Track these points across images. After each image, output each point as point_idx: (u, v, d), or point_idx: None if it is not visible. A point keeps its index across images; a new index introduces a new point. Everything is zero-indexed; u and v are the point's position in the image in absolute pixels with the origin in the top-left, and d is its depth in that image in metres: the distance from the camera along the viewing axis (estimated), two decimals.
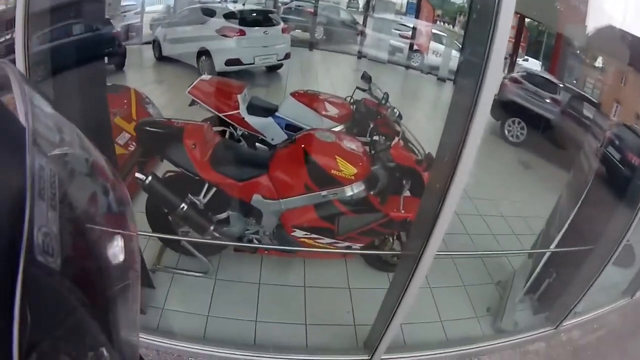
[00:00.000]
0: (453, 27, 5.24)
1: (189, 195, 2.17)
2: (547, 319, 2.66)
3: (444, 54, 5.16)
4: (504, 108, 4.25)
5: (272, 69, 4.53)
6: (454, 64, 4.96)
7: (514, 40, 4.51)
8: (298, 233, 2.17)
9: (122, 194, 0.44)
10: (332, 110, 2.85)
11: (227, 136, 2.87)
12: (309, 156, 2.13)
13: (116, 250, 0.39)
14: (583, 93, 4.07)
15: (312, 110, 2.85)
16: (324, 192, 2.11)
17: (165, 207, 2.21)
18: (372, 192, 2.18)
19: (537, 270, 2.59)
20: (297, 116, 2.84)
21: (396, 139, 2.22)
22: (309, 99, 2.93)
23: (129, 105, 2.88)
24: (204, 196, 2.18)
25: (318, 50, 5.43)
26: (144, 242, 2.45)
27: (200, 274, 2.31)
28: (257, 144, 2.84)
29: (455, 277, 2.57)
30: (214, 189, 2.17)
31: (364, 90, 3.01)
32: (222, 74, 3.79)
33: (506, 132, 4.12)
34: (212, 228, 2.17)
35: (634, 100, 3.32)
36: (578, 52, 4.38)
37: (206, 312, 2.18)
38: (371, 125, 2.75)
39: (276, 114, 2.87)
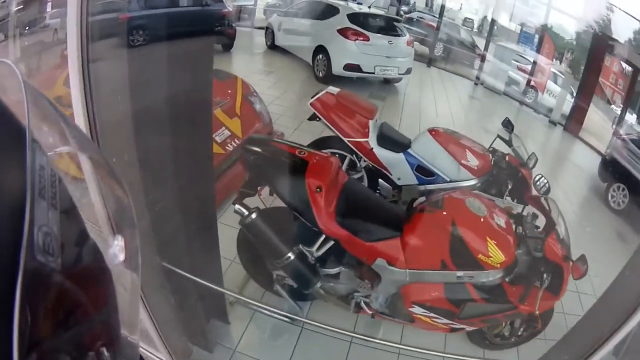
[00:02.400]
0: (560, 63, 4.97)
1: (299, 244, 1.92)
2: None
3: (559, 95, 4.91)
4: (611, 170, 3.94)
5: (390, 81, 4.27)
6: (567, 107, 4.79)
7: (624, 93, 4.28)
8: (417, 310, 1.96)
9: (122, 194, 0.45)
10: (473, 161, 2.53)
11: (346, 164, 2.58)
12: (456, 230, 1.86)
13: (117, 250, 0.40)
14: None
15: (450, 155, 2.54)
16: (459, 273, 1.87)
17: (265, 252, 1.97)
18: (507, 280, 1.98)
19: None
20: (432, 159, 2.55)
21: (555, 231, 2.00)
22: (449, 141, 2.61)
23: (233, 97, 2.55)
24: (318, 249, 1.92)
25: (435, 67, 5.17)
26: (225, 266, 2.22)
27: (287, 319, 2.12)
28: (380, 180, 2.57)
29: None
30: (331, 242, 1.91)
31: (504, 141, 2.69)
32: (336, 77, 3.51)
33: (610, 197, 3.81)
34: (319, 285, 1.97)
35: None
36: None
37: None
38: (509, 187, 2.49)
39: (408, 150, 2.57)
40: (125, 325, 0.41)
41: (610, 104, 4.58)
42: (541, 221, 2.15)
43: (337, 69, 3.57)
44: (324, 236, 1.90)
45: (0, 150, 0.28)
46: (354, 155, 2.59)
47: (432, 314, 1.96)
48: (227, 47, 3.69)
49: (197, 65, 1.69)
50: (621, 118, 4.24)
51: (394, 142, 2.58)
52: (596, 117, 4.36)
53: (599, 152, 4.11)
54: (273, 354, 2.06)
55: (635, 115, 4.17)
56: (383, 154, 2.53)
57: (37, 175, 0.28)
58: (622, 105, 4.34)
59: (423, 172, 2.55)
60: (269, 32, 4.18)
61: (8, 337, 0.23)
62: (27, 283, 0.25)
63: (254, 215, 1.86)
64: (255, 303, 2.14)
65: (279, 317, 2.11)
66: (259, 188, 1.98)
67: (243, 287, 2.20)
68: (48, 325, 0.28)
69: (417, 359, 2.11)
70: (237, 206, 1.87)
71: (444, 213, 1.93)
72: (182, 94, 1.56)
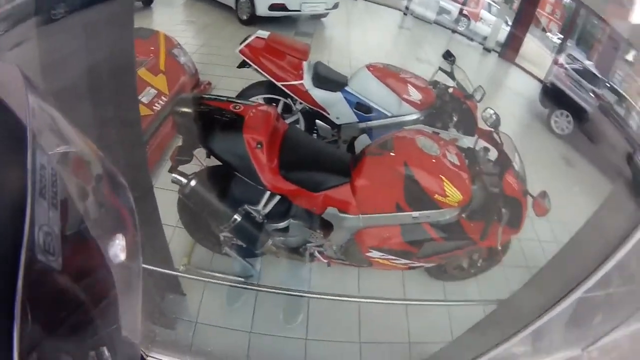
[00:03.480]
0: None
1: (244, 204, 1.80)
2: (576, 339, 2.80)
3: (494, 24, 4.91)
4: (553, 97, 4.06)
5: (316, 17, 4.08)
6: (502, 36, 4.80)
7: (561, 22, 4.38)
8: (374, 254, 1.91)
9: (122, 194, 0.46)
10: (414, 95, 2.46)
11: (280, 108, 2.42)
12: (409, 171, 1.79)
13: (117, 249, 0.41)
14: (621, 90, 4.02)
15: (390, 90, 2.46)
16: (416, 214, 1.82)
17: (209, 217, 1.84)
18: (464, 217, 1.96)
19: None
20: (372, 95, 2.46)
21: (511, 166, 1.95)
22: (388, 75, 2.51)
23: (156, 53, 2.36)
24: (265, 206, 1.82)
25: (363, 0, 4.84)
26: (169, 234, 2.09)
27: (242, 280, 2.04)
28: (317, 121, 2.47)
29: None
30: (277, 197, 1.81)
31: (447, 73, 2.62)
32: (260, 19, 3.26)
33: (552, 123, 3.95)
34: (270, 242, 1.87)
35: None
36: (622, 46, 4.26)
37: (248, 327, 1.96)
38: (454, 120, 2.44)
39: (346, 88, 2.46)
40: (126, 325, 0.41)
41: (546, 32, 4.61)
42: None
43: (262, 9, 3.40)
44: (269, 193, 1.79)
45: (2, 149, 0.29)
46: (288, 99, 2.49)
47: (390, 257, 1.92)
48: (148, 2, 3.32)
49: (118, 28, 1.55)
50: (562, 47, 4.32)
51: (330, 81, 2.48)
52: (532, 45, 4.42)
53: (538, 79, 4.20)
54: (234, 318, 1.99)
55: (575, 45, 4.29)
56: (320, 95, 2.44)
57: (38, 174, 0.29)
58: (561, 35, 4.40)
59: (362, 109, 2.47)
60: None
61: (9, 336, 0.23)
62: (28, 282, 0.25)
63: (193, 183, 1.72)
64: (206, 274, 2.04)
65: (232, 284, 2.03)
66: (194, 152, 1.79)
67: (190, 254, 2.07)
68: (49, 325, 0.28)
69: (376, 301, 2.12)
70: (173, 175, 1.73)
71: (395, 154, 1.83)
72: (105, 60, 1.46)
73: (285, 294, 2.02)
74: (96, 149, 0.43)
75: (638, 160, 2.87)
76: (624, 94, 3.70)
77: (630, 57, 3.77)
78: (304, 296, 2.03)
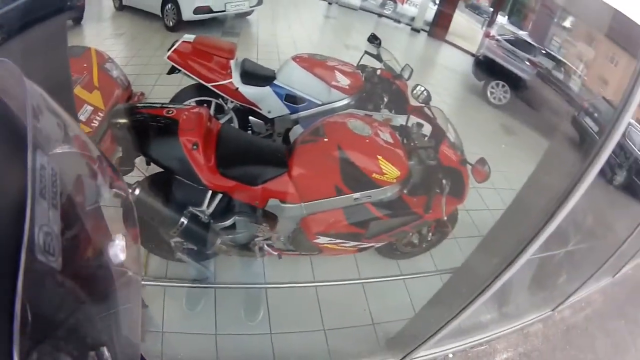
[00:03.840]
0: None
1: (189, 206, 1.82)
2: (544, 300, 2.87)
3: (421, 4, 4.99)
4: (487, 69, 4.17)
5: (242, 15, 4.09)
6: (429, 15, 4.89)
7: None
8: (321, 240, 1.94)
9: (122, 192, 0.46)
10: (343, 80, 2.50)
11: (212, 110, 2.46)
12: (344, 154, 1.83)
13: (117, 249, 0.40)
14: (558, 56, 4.13)
15: (318, 78, 2.48)
16: (356, 195, 1.86)
17: (156, 224, 1.85)
18: (405, 192, 2.00)
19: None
20: (301, 85, 2.48)
21: (446, 137, 1.99)
22: (315, 64, 2.54)
23: (89, 70, 2.34)
24: (208, 206, 1.84)
25: None
26: None
27: (199, 283, 2.06)
28: (250, 117, 2.49)
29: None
30: (219, 196, 1.83)
31: (373, 56, 2.67)
32: (187, 23, 3.30)
33: (489, 94, 4.06)
34: (219, 241, 1.89)
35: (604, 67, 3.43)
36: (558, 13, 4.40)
37: (213, 329, 1.98)
38: (385, 100, 2.49)
39: (274, 82, 2.48)
40: (127, 325, 0.41)
41: (476, 9, 4.73)
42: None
43: (188, 14, 3.38)
44: (210, 192, 1.81)
45: (2, 149, 0.28)
46: (220, 99, 2.50)
47: (338, 240, 1.96)
48: (78, 20, 3.33)
49: (52, 49, 1.54)
50: (492, 20, 4.42)
51: (258, 76, 2.49)
52: (462, 21, 4.51)
53: (470, 53, 4.27)
54: (199, 321, 2.01)
55: (506, 17, 4.40)
56: (249, 91, 2.45)
57: (38, 174, 0.29)
58: (491, 8, 4.51)
59: (293, 100, 2.49)
60: None
61: (9, 336, 0.23)
62: (28, 283, 0.25)
63: (136, 192, 1.72)
64: (163, 283, 2.05)
65: (191, 285, 2.05)
66: (135, 161, 1.81)
67: (145, 265, 2.08)
68: (49, 325, 0.28)
69: (333, 285, 2.15)
70: (114, 190, 1.70)
71: (327, 140, 1.87)
72: (42, 83, 1.42)
73: (242, 287, 2.05)
74: (96, 148, 0.44)
75: (582, 120, 2.97)
76: (562, 59, 3.82)
77: (567, 23, 3.90)
78: (261, 288, 2.06)
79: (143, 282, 2.01)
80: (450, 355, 2.31)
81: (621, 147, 3.46)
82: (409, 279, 2.27)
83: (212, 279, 2.07)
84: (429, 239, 2.31)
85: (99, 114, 2.21)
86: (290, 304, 2.09)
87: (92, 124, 2.19)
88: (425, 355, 2.18)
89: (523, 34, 4.26)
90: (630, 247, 3.28)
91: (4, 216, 0.27)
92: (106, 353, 0.35)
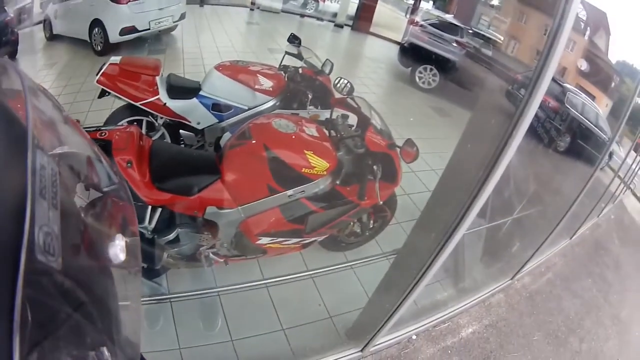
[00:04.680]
0: None
1: None
2: (501, 270, 2.96)
3: (342, 1, 5.10)
4: (413, 55, 4.28)
5: (166, 31, 4.12)
6: (352, 9, 4.99)
7: None
8: (263, 240, 2.01)
9: (123, 191, 0.46)
10: (266, 83, 2.58)
11: (144, 128, 2.51)
12: (271, 153, 1.90)
13: (117, 249, 0.40)
14: (487, 34, 4.30)
15: (241, 84, 2.56)
16: (290, 192, 1.93)
17: None
18: (338, 183, 2.09)
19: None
20: (225, 93, 2.55)
21: (371, 124, 2.09)
22: (237, 71, 2.62)
23: (23, 107, 2.35)
24: (149, 221, 1.88)
25: (209, 5, 5.07)
26: None
27: (154, 300, 2.09)
28: (181, 131, 2.54)
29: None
30: (159, 210, 1.88)
31: (294, 56, 2.77)
32: (114, 45, 3.36)
33: (417, 79, 4.15)
34: (166, 255, 1.93)
35: (534, 38, 3.60)
36: None
37: (176, 344, 2.00)
38: (310, 97, 2.56)
39: (200, 93, 2.55)
40: (126, 325, 0.41)
41: None
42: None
43: (114, 36, 3.44)
44: (150, 207, 1.86)
45: (2, 149, 0.28)
46: (149, 116, 2.55)
47: (279, 239, 2.03)
48: (12, 54, 3.36)
49: None
50: (415, 7, 4.61)
51: (184, 89, 2.57)
52: (385, 11, 4.67)
53: (396, 42, 4.42)
54: (161, 338, 2.01)
55: (431, 2, 4.59)
56: (177, 105, 2.52)
57: (38, 175, 0.29)
58: None
59: (219, 109, 2.56)
60: (47, 23, 3.81)
61: (9, 336, 0.23)
62: (28, 282, 0.25)
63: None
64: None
65: (144, 302, 2.06)
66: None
67: None
68: (49, 325, 0.28)
69: (285, 284, 2.20)
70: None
71: (254, 141, 1.95)
72: None
73: (195, 296, 2.06)
74: (96, 147, 0.44)
75: (517, 93, 3.13)
76: (490, 35, 4.00)
77: (495, 1, 4.11)
78: (213, 293, 2.09)
79: None
80: (414, 337, 2.37)
81: (562, 113, 3.63)
82: (358, 267, 2.34)
83: (166, 294, 2.09)
84: (371, 226, 2.39)
85: None
86: (245, 309, 2.12)
87: None
88: (388, 340, 2.24)
89: (449, 17, 4.43)
90: (584, 209, 3.42)
91: (4, 216, 0.26)
92: (106, 353, 0.35)
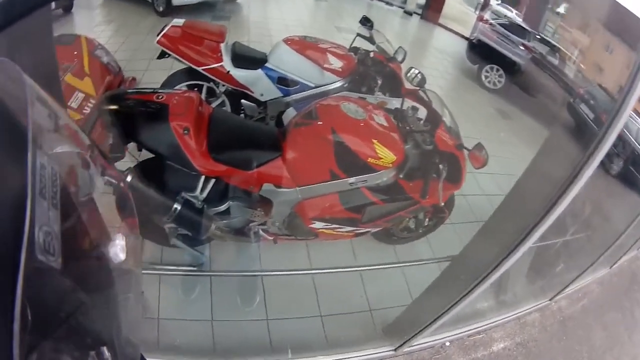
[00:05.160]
0: None
1: (182, 192, 1.82)
2: (542, 289, 2.88)
3: None
4: (481, 53, 4.18)
5: (232, 0, 4.10)
6: None
7: None
8: (317, 225, 1.96)
9: (122, 193, 0.46)
10: (335, 63, 2.51)
11: (203, 94, 2.46)
12: (338, 138, 1.84)
13: (117, 249, 0.41)
14: (552, 41, 4.14)
15: (310, 61, 2.50)
16: (352, 180, 1.88)
17: (149, 210, 1.85)
18: (401, 177, 2.01)
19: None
20: (293, 68, 2.49)
21: (442, 122, 2.00)
22: (307, 47, 2.55)
23: (80, 57, 2.34)
24: (202, 191, 1.84)
25: None
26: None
27: (195, 269, 2.07)
28: (242, 101, 2.50)
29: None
30: (213, 181, 1.84)
31: (366, 38, 2.68)
32: (176, 8, 3.34)
33: (483, 77, 4.06)
34: (214, 227, 1.89)
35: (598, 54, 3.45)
36: None
37: (209, 316, 1.99)
38: (379, 83, 2.49)
39: (266, 65, 2.49)
40: (127, 325, 0.41)
41: None
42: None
43: None
44: (204, 177, 1.82)
45: (2, 149, 0.29)
46: (211, 83, 2.51)
47: (334, 225, 1.98)
48: (68, 8, 3.34)
49: (38, 40, 1.55)
50: (485, 3, 4.43)
51: (249, 59, 2.52)
52: (454, 3, 4.51)
53: (464, 37, 4.29)
54: (195, 308, 2.01)
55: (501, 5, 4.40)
56: (241, 74, 2.48)
57: (38, 174, 0.29)
58: None
59: (285, 83, 2.51)
60: None
61: (9, 336, 0.23)
62: (28, 282, 0.25)
63: (128, 179, 1.71)
64: (158, 269, 2.05)
65: (186, 274, 2.05)
66: (126, 147, 1.81)
67: (140, 250, 2.08)
68: (49, 325, 0.28)
69: (330, 272, 2.16)
70: (106, 177, 1.70)
71: (322, 123, 1.88)
72: (30, 75, 1.45)
73: (238, 275, 2.05)
74: (95, 146, 0.44)
75: (577, 107, 2.99)
76: (556, 44, 3.84)
77: (561, 9, 3.92)
78: (257, 275, 2.06)
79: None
80: (447, 344, 2.32)
81: (619, 136, 3.47)
82: (406, 267, 2.28)
83: (207, 264, 2.07)
84: (426, 224, 2.33)
85: (91, 100, 2.22)
86: (286, 290, 2.10)
87: (84, 111, 2.19)
88: (423, 343, 2.20)
89: (517, 19, 4.27)
90: (628, 239, 3.30)
91: (4, 216, 0.27)
92: (106, 353, 0.35)
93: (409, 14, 4.89)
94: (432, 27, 4.44)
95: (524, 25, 4.08)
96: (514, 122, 3.57)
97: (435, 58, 4.23)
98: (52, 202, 0.30)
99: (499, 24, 4.18)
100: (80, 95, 2.22)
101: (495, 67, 3.95)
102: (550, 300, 2.83)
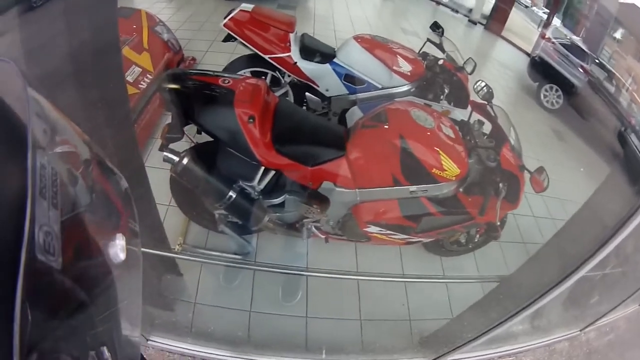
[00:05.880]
0: None
1: (239, 180, 1.82)
2: (575, 319, 2.85)
3: None
4: (542, 71, 4.08)
5: None
6: (487, 8, 4.76)
7: None
8: (372, 229, 1.94)
9: (123, 193, 0.46)
10: (404, 66, 2.48)
11: (268, 82, 2.45)
12: (405, 144, 1.81)
13: (117, 249, 0.40)
14: (610, 68, 4.05)
15: (379, 61, 2.47)
16: (413, 188, 1.86)
17: (203, 194, 1.86)
18: (461, 191, 1.98)
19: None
20: (361, 66, 2.47)
21: (508, 140, 1.97)
22: (377, 47, 2.52)
23: (139, 31, 2.35)
24: (259, 182, 1.83)
25: None
26: (162, 213, 2.10)
27: (239, 257, 2.06)
28: (307, 94, 2.49)
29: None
30: (272, 172, 1.83)
31: (436, 45, 2.65)
32: None
33: (542, 96, 3.95)
34: (267, 219, 1.88)
35: None
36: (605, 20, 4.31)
37: (248, 306, 1.98)
38: (446, 92, 2.48)
39: (334, 60, 2.48)
40: (127, 324, 0.41)
41: (532, 6, 4.65)
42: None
43: None
44: (263, 168, 1.81)
45: (2, 149, 0.29)
46: (276, 72, 2.50)
47: (388, 231, 1.96)
48: None
49: (100, 8, 1.53)
50: (548, 21, 4.34)
51: (318, 53, 2.50)
52: (518, 18, 4.44)
53: (525, 52, 4.25)
54: (234, 298, 2.02)
55: (560, 21, 4.31)
56: (308, 67, 2.46)
57: (38, 174, 0.29)
58: (547, 9, 4.41)
59: (352, 80, 2.49)
60: None
61: (9, 336, 0.24)
62: (28, 282, 0.25)
63: (185, 161, 1.73)
64: (202, 253, 2.05)
65: (229, 265, 2.05)
66: (185, 129, 1.79)
67: (185, 233, 2.08)
68: (49, 325, 0.28)
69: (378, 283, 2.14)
70: (165, 154, 1.74)
71: (389, 127, 1.85)
72: (89, 42, 1.45)
73: (283, 272, 2.03)
74: (94, 145, 0.44)
75: (629, 138, 2.93)
76: (613, 70, 3.75)
77: (618, 34, 3.83)
78: (303, 275, 2.05)
79: (181, 253, 2.02)
80: None
81: None
82: (452, 282, 2.26)
83: (253, 255, 2.06)
84: (476, 240, 2.30)
85: (147, 75, 2.23)
86: (329, 290, 2.11)
87: (140, 86, 2.20)
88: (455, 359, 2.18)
89: (576, 39, 4.19)
90: None
91: (4, 216, 0.27)
92: (106, 353, 0.35)
93: (474, 23, 4.83)
94: (494, 38, 4.37)
95: (583, 46, 4.01)
96: (567, 145, 3.52)
97: (497, 71, 4.18)
98: (52, 202, 0.30)
99: (560, 43, 4.13)
100: (137, 70, 2.23)
101: (555, 87, 3.89)
102: (580, 330, 2.80)
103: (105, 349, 0.35)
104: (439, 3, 4.97)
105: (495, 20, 4.47)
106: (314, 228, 2.01)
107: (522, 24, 4.36)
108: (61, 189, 0.31)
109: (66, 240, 0.30)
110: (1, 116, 0.31)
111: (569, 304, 2.79)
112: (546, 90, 3.92)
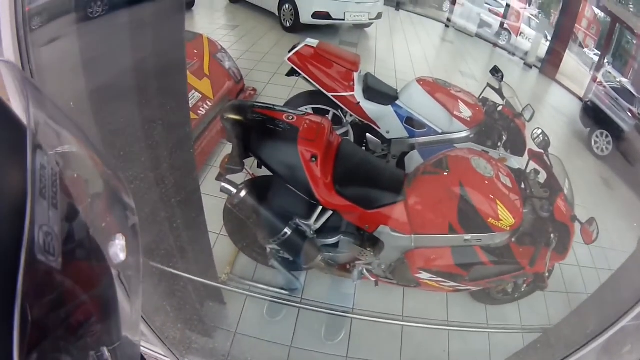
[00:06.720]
0: (529, 5, 4.96)
1: (295, 217, 1.84)
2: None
3: (534, 39, 4.89)
4: (593, 116, 4.05)
5: (359, 26, 4.14)
6: (542, 51, 4.79)
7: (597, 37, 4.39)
8: (423, 275, 1.95)
9: (123, 191, 0.45)
10: (465, 112, 2.49)
11: (330, 118, 2.46)
12: (464, 192, 1.83)
13: (117, 250, 0.40)
14: None
15: (441, 105, 2.49)
16: (467, 237, 1.86)
17: (258, 228, 1.88)
18: (514, 241, 1.99)
19: None
20: (423, 110, 2.49)
21: (562, 191, 1.98)
22: (439, 91, 2.54)
23: (200, 57, 2.37)
24: (316, 221, 1.85)
25: (404, 11, 4.88)
26: (212, 240, 2.11)
27: (286, 292, 2.07)
28: (368, 135, 2.50)
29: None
30: (329, 213, 1.85)
31: (495, 90, 2.67)
32: (304, 26, 3.29)
33: (593, 142, 3.91)
34: (319, 258, 1.89)
35: None
36: None
37: (289, 341, 1.99)
38: (504, 139, 2.48)
39: (397, 102, 2.49)
40: (126, 325, 0.41)
41: (583, 48, 4.65)
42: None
43: (306, 17, 3.43)
44: (321, 207, 1.82)
45: (2, 149, 0.29)
46: (338, 110, 2.53)
47: (439, 279, 1.96)
48: (189, 4, 3.38)
49: (168, 26, 1.60)
50: (599, 65, 4.33)
51: (380, 94, 2.51)
52: (571, 61, 4.45)
53: (578, 97, 4.24)
54: (275, 331, 2.03)
55: (610, 61, 4.31)
56: (370, 108, 2.47)
57: (38, 174, 0.29)
58: (598, 51, 4.41)
59: (412, 124, 2.50)
60: None
61: (9, 336, 0.24)
62: (28, 282, 0.25)
63: (242, 194, 1.75)
64: (248, 284, 2.06)
65: (274, 300, 2.06)
66: (245, 161, 1.81)
67: (233, 262, 2.09)
68: (49, 325, 0.29)
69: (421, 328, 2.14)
70: (223, 184, 1.75)
71: (450, 174, 1.87)
72: (153, 59, 1.50)
73: (328, 313, 2.04)
74: (94, 147, 0.44)
75: None
76: None
77: None
78: (347, 317, 2.05)
79: (227, 283, 2.03)
80: None
81: None
82: (495, 332, 2.26)
83: (300, 292, 2.07)
84: (522, 289, 2.30)
85: (207, 102, 2.24)
86: (372, 332, 2.10)
87: (199, 112, 2.22)
88: None
89: (625, 81, 4.18)
90: None
91: (4, 216, 0.27)
92: (106, 353, 0.35)
93: (530, 66, 4.83)
94: (549, 82, 4.38)
95: (632, 90, 3.98)
96: (615, 193, 3.51)
97: (552, 117, 4.19)
98: (52, 202, 0.30)
99: (611, 86, 4.11)
100: (197, 95, 2.25)
101: (605, 132, 3.84)
102: None
103: (105, 350, 0.35)
104: (495, 45, 5.03)
105: (549, 64, 4.48)
106: (365, 270, 2.02)
107: (575, 67, 4.37)
108: (61, 189, 0.31)
109: (66, 241, 0.30)
110: (1, 116, 0.31)
111: (603, 352, 2.78)
112: (597, 136, 3.89)
